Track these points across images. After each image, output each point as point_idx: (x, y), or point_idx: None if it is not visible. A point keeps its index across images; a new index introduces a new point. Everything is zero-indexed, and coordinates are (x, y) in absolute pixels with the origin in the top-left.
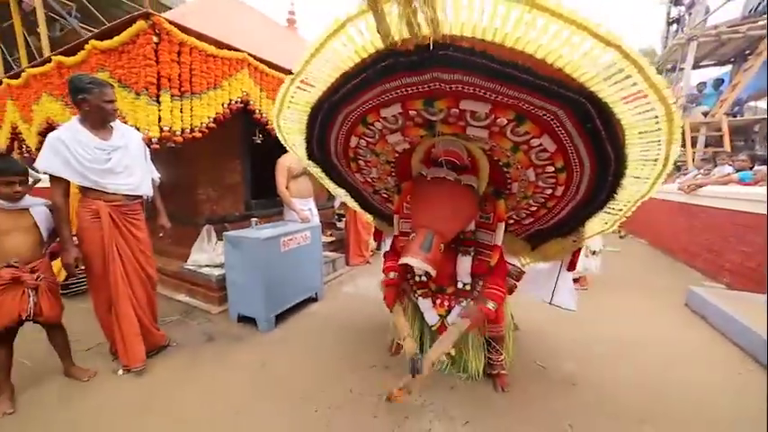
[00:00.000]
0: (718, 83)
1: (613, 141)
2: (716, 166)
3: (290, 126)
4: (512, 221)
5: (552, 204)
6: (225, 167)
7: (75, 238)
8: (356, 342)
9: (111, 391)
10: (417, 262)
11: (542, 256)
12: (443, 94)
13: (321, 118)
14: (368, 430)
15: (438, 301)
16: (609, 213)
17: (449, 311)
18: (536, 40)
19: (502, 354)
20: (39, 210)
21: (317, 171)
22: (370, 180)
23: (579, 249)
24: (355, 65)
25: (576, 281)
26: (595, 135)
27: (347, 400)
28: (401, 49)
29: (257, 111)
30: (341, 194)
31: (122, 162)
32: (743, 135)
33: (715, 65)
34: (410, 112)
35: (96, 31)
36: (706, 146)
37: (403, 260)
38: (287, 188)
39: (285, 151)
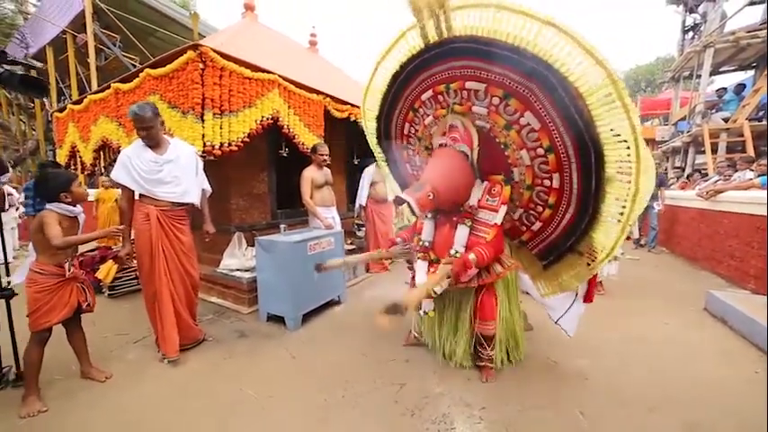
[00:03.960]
0: (740, 88)
1: (578, 109)
2: (737, 171)
3: (370, 111)
4: (524, 228)
5: (554, 201)
6: (254, 179)
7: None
8: (377, 340)
9: (156, 378)
10: (406, 196)
11: (558, 282)
12: (456, 78)
13: (388, 103)
14: (389, 413)
15: (432, 269)
16: (611, 221)
17: None
18: (504, 29)
19: (487, 349)
20: (82, 217)
21: (380, 157)
22: (415, 173)
23: (595, 278)
24: (407, 58)
25: None
26: (562, 103)
27: (371, 388)
28: (432, 45)
29: (285, 126)
30: (396, 189)
31: (172, 173)
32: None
33: (736, 70)
34: (438, 96)
35: (136, 59)
36: (729, 152)
37: (399, 194)
38: (311, 198)
39: (309, 163)
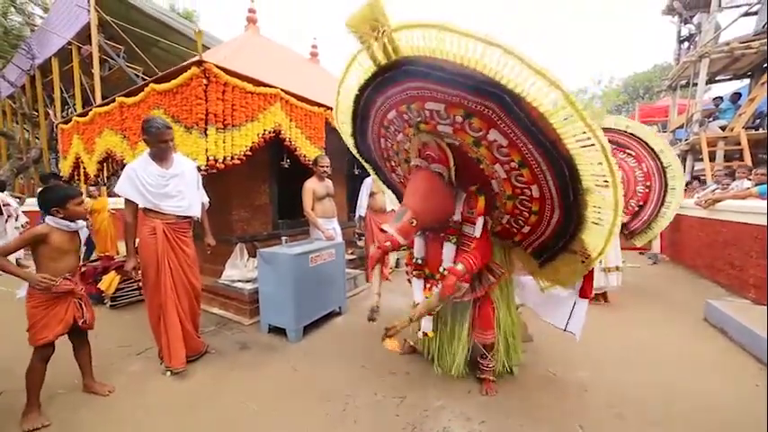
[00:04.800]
0: (736, 96)
1: (541, 128)
2: (735, 179)
3: (344, 127)
4: (515, 230)
5: (537, 208)
6: (255, 190)
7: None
8: (378, 351)
9: (158, 391)
10: (388, 228)
11: (555, 278)
12: (415, 98)
13: (358, 122)
14: (390, 427)
15: (428, 285)
16: (598, 223)
17: None
18: (449, 50)
19: (488, 359)
20: (84, 232)
21: (368, 166)
22: (403, 182)
23: (591, 275)
24: (365, 81)
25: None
26: (524, 122)
27: (372, 401)
28: (383, 68)
29: (287, 138)
30: (394, 199)
31: (177, 187)
32: (765, 148)
33: (731, 79)
34: (403, 115)
35: (140, 69)
36: (727, 160)
37: (382, 226)
38: (312, 209)
39: (310, 175)
